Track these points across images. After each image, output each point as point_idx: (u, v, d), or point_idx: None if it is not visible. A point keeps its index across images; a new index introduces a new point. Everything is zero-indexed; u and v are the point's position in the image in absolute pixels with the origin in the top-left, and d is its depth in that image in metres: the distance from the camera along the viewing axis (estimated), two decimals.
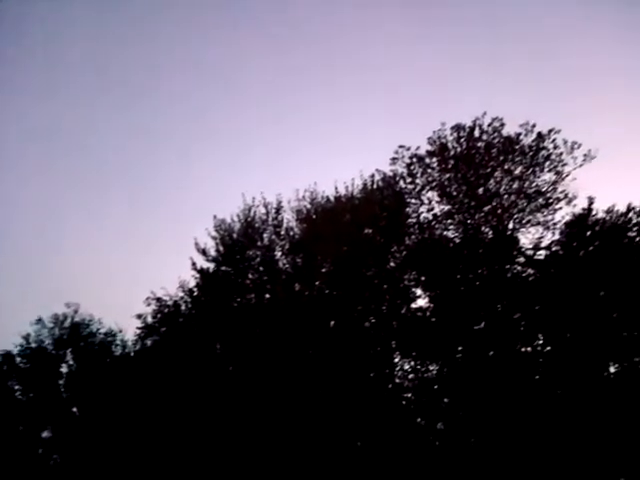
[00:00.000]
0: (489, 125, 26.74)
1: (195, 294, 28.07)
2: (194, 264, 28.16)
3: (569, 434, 22.29)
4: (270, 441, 23.53)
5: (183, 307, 27.87)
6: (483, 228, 26.84)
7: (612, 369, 24.90)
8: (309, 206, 28.04)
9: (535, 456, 21.71)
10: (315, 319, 25.49)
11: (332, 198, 27.99)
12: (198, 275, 28.20)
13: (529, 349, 24.97)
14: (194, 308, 27.75)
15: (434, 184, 27.57)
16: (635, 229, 24.54)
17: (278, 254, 28.01)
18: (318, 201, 28.03)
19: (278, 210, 28.31)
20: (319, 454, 22.85)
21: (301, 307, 25.67)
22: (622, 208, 24.72)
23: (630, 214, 24.57)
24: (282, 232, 28.14)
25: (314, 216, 27.75)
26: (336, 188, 27.97)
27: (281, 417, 23.52)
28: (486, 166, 26.82)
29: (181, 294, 28.07)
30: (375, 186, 27.90)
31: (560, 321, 24.22)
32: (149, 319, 28.08)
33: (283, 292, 26.47)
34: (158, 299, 28.00)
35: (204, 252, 28.32)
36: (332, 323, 26.42)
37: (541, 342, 25.17)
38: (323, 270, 27.53)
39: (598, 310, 24.20)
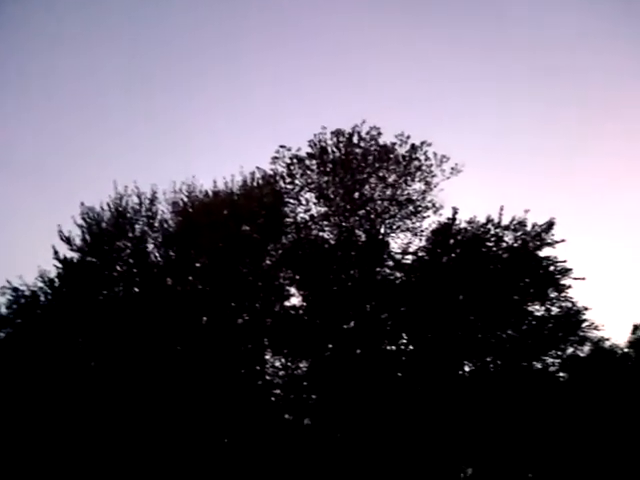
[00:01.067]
0: (367, 133, 27.89)
1: (56, 285, 26.22)
2: (56, 253, 26.34)
3: (423, 429, 23.78)
4: (132, 438, 22.61)
5: (42, 298, 25.92)
6: (357, 231, 27.84)
7: (467, 368, 26.96)
8: (186, 199, 27.39)
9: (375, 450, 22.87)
10: (186, 314, 24.92)
11: (210, 193, 27.55)
12: (60, 265, 26.39)
13: (394, 348, 26.25)
14: (55, 299, 25.92)
15: (312, 186, 28.20)
16: (492, 239, 26.81)
17: (150, 246, 27.04)
18: (195, 195, 27.47)
19: (152, 201, 27.33)
20: (185, 452, 22.32)
21: (172, 302, 24.96)
22: (482, 219, 26.92)
23: (489, 225, 26.82)
24: (156, 224, 27.19)
25: (190, 209, 27.14)
26: (215, 183, 27.62)
27: (146, 413, 22.66)
28: (362, 172, 27.91)
29: (40, 284, 26.10)
30: (255, 184, 27.89)
31: (422, 322, 25.80)
32: (3, 310, 25.81)
33: (154, 286, 25.60)
34: (14, 289, 25.81)
35: (68, 241, 26.59)
36: (204, 319, 25.98)
37: (405, 341, 26.61)
38: (197, 265, 27.00)
39: (456, 313, 26.13)
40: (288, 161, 28.05)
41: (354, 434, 23.41)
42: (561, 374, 30.45)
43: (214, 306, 25.78)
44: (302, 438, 24.80)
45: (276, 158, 28.13)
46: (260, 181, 28.00)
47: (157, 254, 27.15)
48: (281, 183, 28.17)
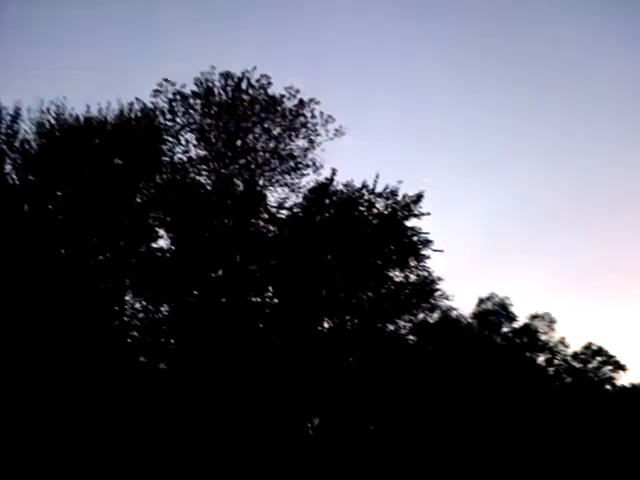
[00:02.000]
0: (257, 81, 27.26)
1: None
2: None
3: (278, 379, 24.45)
4: None
5: None
6: (235, 180, 27.41)
7: (326, 324, 27.96)
8: (53, 121, 25.18)
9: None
10: (43, 245, 23.23)
11: (82, 118, 25.56)
12: None
13: (259, 299, 26.48)
14: None
15: (194, 127, 27.21)
16: (365, 205, 27.65)
17: (8, 167, 24.67)
18: (65, 118, 25.33)
19: (15, 118, 24.81)
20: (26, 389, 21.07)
21: (28, 230, 23.14)
22: (358, 184, 27.65)
23: (363, 190, 27.58)
24: (16, 144, 24.79)
25: (57, 133, 25.04)
26: (88, 108, 25.62)
27: None
28: (247, 120, 27.33)
29: None
30: (132, 116, 26.30)
31: (290, 277, 26.20)
32: None
33: (8, 211, 23.51)
34: None
35: None
36: (62, 252, 24.41)
37: (270, 294, 26.93)
38: (59, 194, 25.14)
39: (323, 272, 26.85)
40: (170, 96, 26.81)
41: (209, 381, 23.46)
42: (411, 337, 32.74)
43: (74, 239, 24.24)
44: (156, 382, 24.47)
45: (158, 92, 26.74)
46: (138, 114, 26.45)
47: (15, 176, 24.87)
48: (161, 119, 26.86)
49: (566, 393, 45.26)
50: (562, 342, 46.77)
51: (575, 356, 50.60)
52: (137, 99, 26.39)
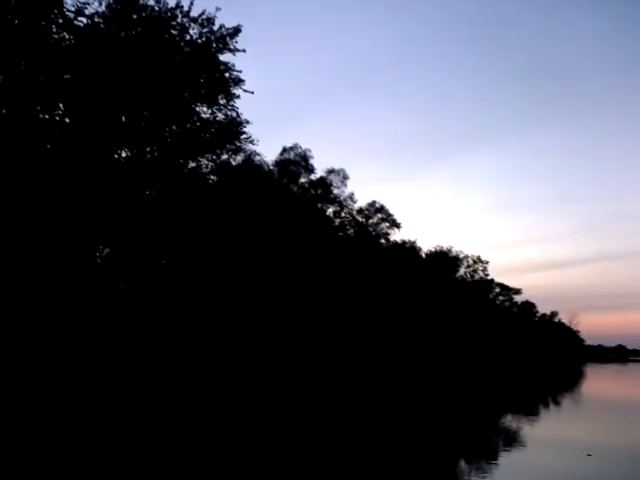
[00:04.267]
0: None
1: None
2: None
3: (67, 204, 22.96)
4: None
5: None
6: None
7: (124, 154, 26.49)
8: None
9: None
10: None
11: None
12: None
13: (47, 116, 23.79)
14: None
15: None
16: (178, 28, 25.54)
17: None
18: None
19: None
20: None
21: None
22: (172, 3, 25.22)
23: (177, 11, 25.33)
24: None
25: None
26: None
27: None
28: None
29: None
30: None
31: (86, 96, 23.80)
32: None
33: None
34: None
35: None
36: None
37: (61, 112, 24.35)
38: None
39: (124, 95, 24.82)
40: None
41: None
42: (212, 177, 32.65)
43: None
44: None
45: None
46: None
47: None
48: None
49: (349, 243, 49.99)
50: (351, 197, 50.67)
51: (360, 211, 55.62)
52: None
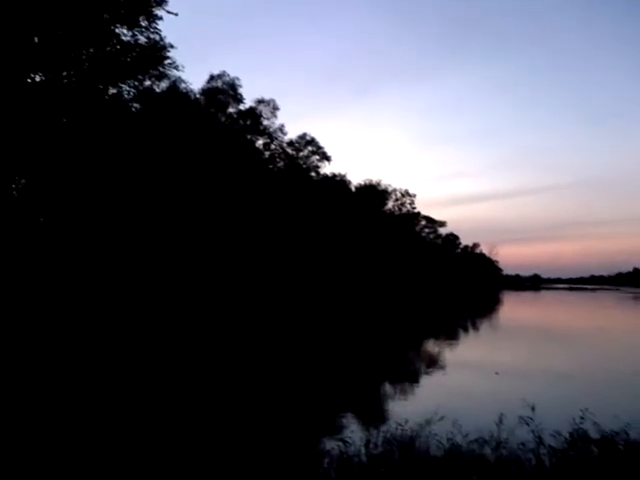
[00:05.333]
0: None
1: None
2: None
3: None
4: None
5: None
6: None
7: (38, 78, 24.81)
8: None
9: None
10: None
11: None
12: None
13: None
14: None
15: None
16: None
17: None
18: None
19: None
20: None
21: None
22: None
23: None
24: None
25: None
26: None
27: None
28: None
29: None
30: None
31: None
32: None
33: None
34: None
35: None
36: None
37: None
38: None
39: (35, 13, 23.02)
40: None
41: None
42: (135, 105, 31.26)
43: None
44: None
45: None
46: None
47: None
48: None
49: (279, 176, 49.63)
50: (281, 129, 49.83)
51: (290, 144, 54.97)
52: None
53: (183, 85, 36.49)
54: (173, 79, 33.84)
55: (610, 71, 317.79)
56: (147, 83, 29.98)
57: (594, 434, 6.10)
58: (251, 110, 45.45)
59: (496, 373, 16.26)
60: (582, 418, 6.24)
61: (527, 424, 6.10)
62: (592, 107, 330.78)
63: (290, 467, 6.58)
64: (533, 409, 6.18)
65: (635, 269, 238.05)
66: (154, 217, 32.50)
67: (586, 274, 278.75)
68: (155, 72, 29.10)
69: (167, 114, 34.09)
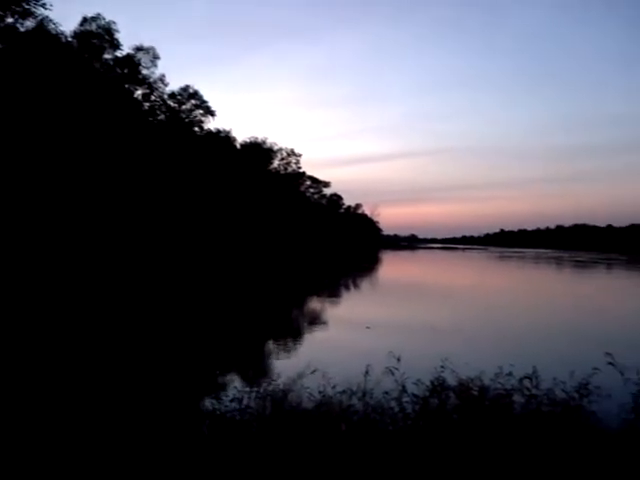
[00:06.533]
0: None
1: None
2: None
3: None
4: None
5: None
6: None
7: None
8: None
9: None
10: None
11: None
12: None
13: None
14: None
15: None
16: None
17: None
18: None
19: None
20: None
21: None
22: None
23: None
24: None
25: None
26: None
27: None
28: None
29: None
30: None
31: None
32: None
33: None
34: None
35: None
36: None
37: None
38: None
39: None
40: None
41: None
42: None
43: None
44: None
45: None
46: None
47: None
48: None
49: (159, 129, 47.52)
50: (162, 80, 47.58)
51: (172, 96, 52.62)
52: None
53: (52, 26, 33.58)
54: (40, 18, 31.03)
55: (498, 41, 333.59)
56: (9, 20, 27.33)
57: (452, 381, 6.51)
58: (129, 57, 42.85)
59: (367, 327, 17.03)
60: (442, 367, 6.63)
61: (392, 374, 6.38)
62: (477, 77, 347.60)
63: (163, 426, 6.47)
64: (399, 360, 6.47)
65: (502, 230, 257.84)
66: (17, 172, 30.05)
67: (458, 234, 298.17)
68: (18, 8, 26.56)
69: (33, 55, 31.26)
